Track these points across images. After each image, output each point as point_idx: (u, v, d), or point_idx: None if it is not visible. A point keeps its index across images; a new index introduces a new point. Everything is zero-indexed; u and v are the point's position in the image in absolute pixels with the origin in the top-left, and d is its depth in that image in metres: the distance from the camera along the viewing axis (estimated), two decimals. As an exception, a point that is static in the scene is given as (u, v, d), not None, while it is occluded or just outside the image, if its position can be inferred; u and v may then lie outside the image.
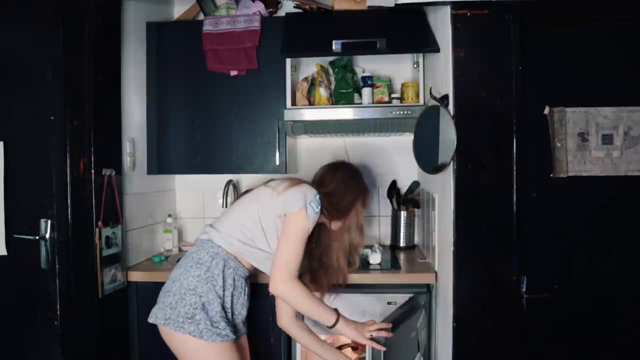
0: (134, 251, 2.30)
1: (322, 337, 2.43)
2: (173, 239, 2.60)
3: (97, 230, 1.94)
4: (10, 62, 1.90)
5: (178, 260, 1.86)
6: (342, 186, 1.82)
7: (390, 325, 1.69)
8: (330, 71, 2.55)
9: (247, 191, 1.89)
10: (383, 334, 1.66)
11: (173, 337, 1.68)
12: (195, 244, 1.81)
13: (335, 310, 1.72)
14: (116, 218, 2.09)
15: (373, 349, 1.63)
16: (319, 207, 1.71)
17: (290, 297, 1.67)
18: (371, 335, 1.66)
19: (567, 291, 1.85)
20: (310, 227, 1.69)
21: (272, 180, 1.85)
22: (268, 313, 2.09)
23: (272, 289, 1.66)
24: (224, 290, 1.70)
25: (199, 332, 1.64)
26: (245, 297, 1.82)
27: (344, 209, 1.81)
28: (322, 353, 1.85)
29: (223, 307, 1.71)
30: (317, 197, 1.71)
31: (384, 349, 1.62)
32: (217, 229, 1.78)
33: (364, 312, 2.10)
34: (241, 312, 1.81)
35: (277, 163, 2.43)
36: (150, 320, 1.73)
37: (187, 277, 1.70)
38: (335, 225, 1.84)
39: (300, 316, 1.88)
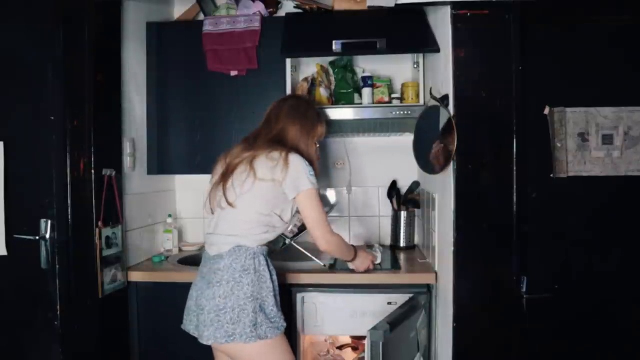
0: (134, 251, 2.30)
1: (323, 337, 2.44)
2: (173, 239, 2.59)
3: (97, 230, 1.94)
4: (10, 62, 1.90)
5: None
6: (288, 121, 1.88)
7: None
8: (330, 71, 2.55)
9: (222, 181, 1.83)
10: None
11: (244, 350, 1.68)
12: (222, 256, 1.74)
13: (353, 246, 2.06)
14: (116, 218, 2.09)
15: (371, 348, 1.63)
16: (312, 168, 1.81)
17: (335, 248, 1.90)
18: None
19: (567, 291, 1.85)
20: (317, 188, 1.81)
21: (256, 157, 1.79)
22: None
23: (323, 247, 1.84)
24: (272, 279, 1.76)
25: (263, 334, 1.67)
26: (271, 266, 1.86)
27: (292, 145, 1.84)
28: None
29: (276, 296, 1.77)
30: (305, 162, 1.79)
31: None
32: (236, 234, 1.75)
33: (364, 312, 2.10)
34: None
35: (277, 163, 2.42)
36: (209, 342, 1.69)
37: (242, 287, 1.69)
38: None
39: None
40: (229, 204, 1.77)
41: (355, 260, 2.06)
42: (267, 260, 1.79)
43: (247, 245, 1.75)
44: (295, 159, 1.77)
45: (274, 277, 1.79)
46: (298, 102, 1.96)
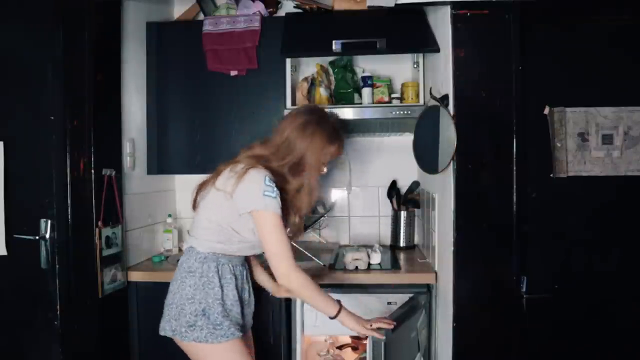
0: (134, 251, 2.30)
1: (323, 337, 2.43)
2: (173, 239, 2.60)
3: (97, 230, 1.94)
4: (10, 62, 1.90)
5: (178, 261, 1.86)
6: (292, 139, 1.69)
7: (393, 323, 1.68)
8: (330, 71, 2.55)
9: (203, 183, 1.80)
10: (384, 326, 1.66)
11: (183, 346, 1.71)
12: (184, 252, 1.80)
13: (338, 301, 1.71)
14: (116, 218, 2.09)
15: (373, 348, 1.63)
16: (275, 189, 1.63)
17: (298, 288, 1.65)
18: (371, 326, 1.66)
19: (567, 291, 1.85)
20: (278, 212, 1.63)
21: (221, 169, 1.74)
22: (268, 313, 2.10)
23: (282, 281, 1.66)
24: (222, 289, 1.70)
25: (203, 337, 1.65)
26: (246, 281, 1.80)
27: (292, 168, 1.69)
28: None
29: (225, 306, 1.70)
30: (267, 179, 1.63)
31: (383, 337, 1.62)
32: (194, 236, 1.76)
33: (364, 313, 2.09)
34: (248, 299, 1.80)
35: (277, 163, 2.42)
36: (161, 333, 1.73)
37: (184, 288, 1.69)
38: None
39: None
40: (193, 206, 1.80)
41: (344, 320, 1.68)
42: (219, 270, 1.70)
43: (198, 249, 1.72)
44: (254, 174, 1.63)
45: (230, 287, 1.71)
46: (312, 115, 1.74)
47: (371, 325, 1.66)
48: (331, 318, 1.68)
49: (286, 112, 2.34)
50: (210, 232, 1.72)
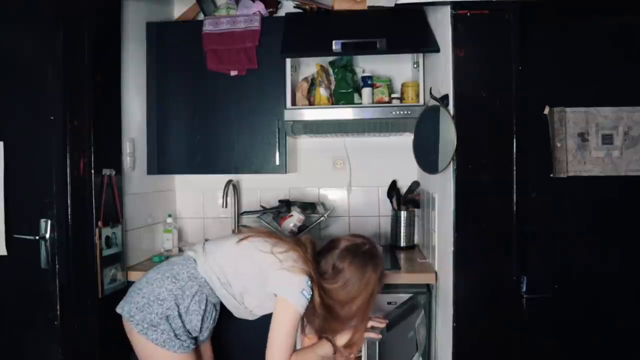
0: (134, 251, 2.30)
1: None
2: (173, 239, 2.59)
3: (97, 230, 1.94)
4: (10, 62, 1.90)
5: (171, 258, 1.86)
6: (347, 283, 1.65)
7: (385, 322, 1.69)
8: (330, 71, 2.55)
9: (253, 229, 1.80)
10: (377, 325, 1.67)
11: (133, 334, 1.70)
12: (183, 256, 1.80)
13: (325, 338, 1.70)
14: (116, 218, 2.09)
15: (368, 347, 1.64)
16: (311, 293, 1.63)
17: None
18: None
19: (567, 291, 1.85)
20: (301, 312, 1.63)
21: (276, 239, 1.74)
22: (267, 314, 2.09)
23: None
24: (188, 312, 1.70)
25: (161, 341, 1.64)
26: (211, 322, 1.80)
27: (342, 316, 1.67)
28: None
29: (186, 327, 1.70)
30: (309, 283, 1.63)
31: (379, 336, 1.62)
32: (205, 255, 1.75)
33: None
34: (204, 333, 1.78)
35: (277, 163, 2.43)
36: (118, 310, 1.74)
37: (160, 287, 1.69)
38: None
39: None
40: (237, 236, 1.77)
41: (341, 341, 1.69)
42: (197, 295, 1.70)
43: (198, 266, 1.73)
44: (301, 276, 1.62)
45: (196, 317, 1.70)
46: (367, 260, 1.68)
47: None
48: (334, 353, 1.69)
49: (287, 113, 2.34)
50: (218, 267, 1.72)
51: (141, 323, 1.66)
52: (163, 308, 1.66)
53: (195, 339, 1.76)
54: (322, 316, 1.67)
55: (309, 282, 1.63)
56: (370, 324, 1.68)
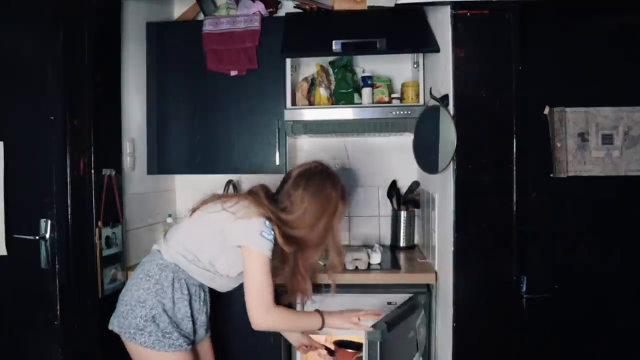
0: (134, 251, 2.30)
1: (323, 337, 2.43)
2: (173, 239, 2.59)
3: (97, 230, 1.94)
4: (10, 62, 1.91)
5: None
6: (306, 209, 1.67)
7: (379, 313, 1.69)
8: (330, 71, 2.55)
9: (211, 198, 1.80)
10: (371, 318, 1.67)
11: (127, 344, 1.69)
12: (150, 253, 1.80)
13: (317, 311, 1.72)
14: (116, 218, 2.09)
15: (369, 348, 1.64)
16: (272, 232, 1.63)
17: (274, 326, 1.68)
18: (359, 319, 1.67)
19: (567, 291, 1.85)
20: (268, 255, 1.63)
21: (225, 197, 1.77)
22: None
23: (255, 326, 1.64)
24: (174, 302, 1.68)
25: (150, 343, 1.63)
26: (202, 303, 1.79)
27: (301, 238, 1.68)
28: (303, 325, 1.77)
29: (175, 319, 1.68)
30: (268, 222, 1.64)
31: (372, 329, 1.61)
32: (166, 242, 1.75)
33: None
34: (199, 318, 1.78)
35: (277, 163, 2.43)
36: (109, 327, 1.72)
37: (138, 289, 1.68)
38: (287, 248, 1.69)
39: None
40: (191, 213, 1.77)
41: (330, 323, 1.72)
42: (174, 282, 1.68)
43: (163, 254, 1.72)
44: (256, 218, 1.63)
45: (183, 303, 1.69)
46: (322, 180, 1.72)
47: (359, 319, 1.67)
48: (319, 330, 1.69)
49: (287, 113, 2.35)
50: (181, 246, 1.71)
51: (128, 330, 1.65)
52: (146, 309, 1.65)
53: (195, 332, 1.75)
54: (292, 253, 1.69)
55: (267, 223, 1.63)
56: (364, 318, 1.68)
